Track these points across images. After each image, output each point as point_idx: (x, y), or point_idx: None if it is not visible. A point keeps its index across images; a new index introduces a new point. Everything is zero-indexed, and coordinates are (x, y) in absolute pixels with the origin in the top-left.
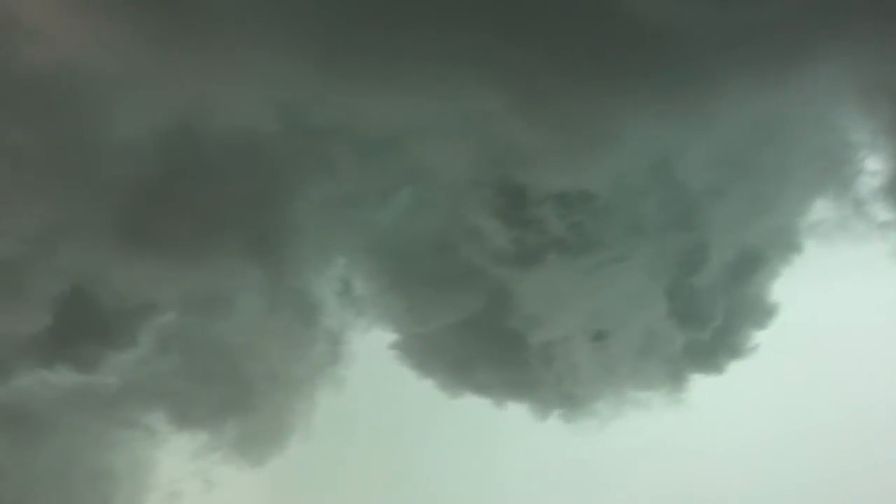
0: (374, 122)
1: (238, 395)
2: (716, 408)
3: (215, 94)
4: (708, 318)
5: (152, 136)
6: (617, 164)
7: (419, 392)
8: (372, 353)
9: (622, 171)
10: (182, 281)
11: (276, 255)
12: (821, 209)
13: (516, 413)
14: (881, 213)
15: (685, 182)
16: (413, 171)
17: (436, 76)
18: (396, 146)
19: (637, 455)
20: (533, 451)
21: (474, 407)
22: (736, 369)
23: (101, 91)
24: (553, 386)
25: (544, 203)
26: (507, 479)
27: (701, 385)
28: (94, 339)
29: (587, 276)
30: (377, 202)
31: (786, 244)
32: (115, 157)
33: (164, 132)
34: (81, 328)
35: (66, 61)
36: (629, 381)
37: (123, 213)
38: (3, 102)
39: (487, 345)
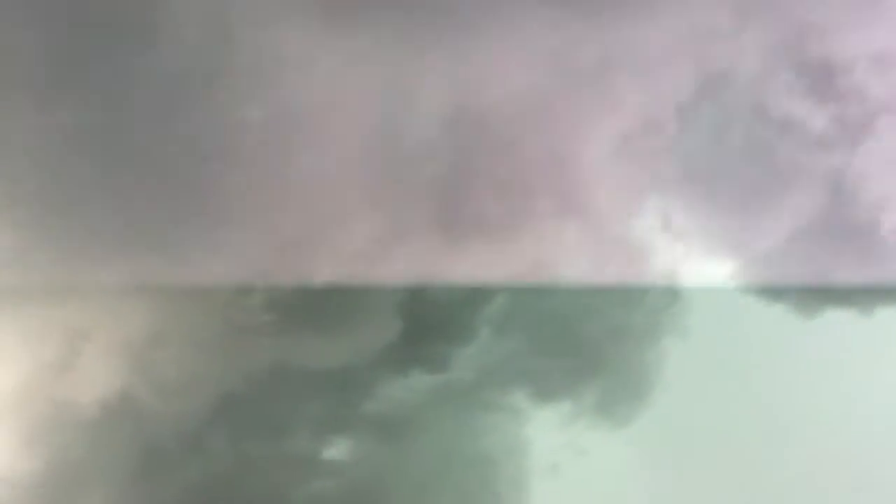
0: None
1: (587, 360)
2: None
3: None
4: None
5: (441, 125)
6: None
7: (769, 321)
8: (711, 289)
9: None
10: (506, 260)
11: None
12: None
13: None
14: None
15: None
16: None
17: None
18: None
19: None
20: None
21: (835, 323)
22: None
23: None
24: None
25: (855, 68)
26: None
27: None
28: (440, 339)
29: None
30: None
31: None
32: (412, 155)
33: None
34: (427, 330)
35: None
36: None
37: (437, 204)
38: None
39: (838, 243)
